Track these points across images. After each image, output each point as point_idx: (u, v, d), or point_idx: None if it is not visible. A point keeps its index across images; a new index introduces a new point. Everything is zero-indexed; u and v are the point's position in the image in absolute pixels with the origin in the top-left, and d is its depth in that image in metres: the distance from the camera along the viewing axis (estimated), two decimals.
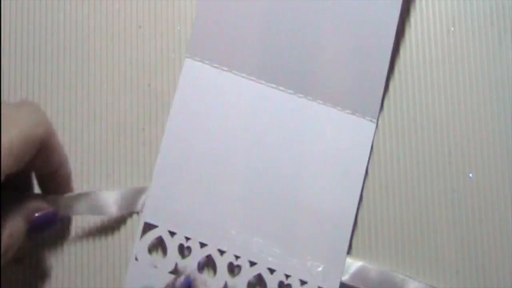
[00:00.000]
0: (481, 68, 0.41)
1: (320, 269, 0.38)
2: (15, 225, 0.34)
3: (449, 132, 0.40)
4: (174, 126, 0.39)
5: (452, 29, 0.41)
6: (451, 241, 0.39)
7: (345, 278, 0.38)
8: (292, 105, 0.39)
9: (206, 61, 0.40)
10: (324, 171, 0.39)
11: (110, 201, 0.38)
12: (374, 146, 0.40)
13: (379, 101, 0.40)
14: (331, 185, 0.39)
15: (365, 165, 0.39)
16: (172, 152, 0.39)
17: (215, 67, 0.40)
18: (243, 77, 0.40)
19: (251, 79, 0.40)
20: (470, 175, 0.40)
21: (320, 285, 0.38)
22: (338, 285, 0.38)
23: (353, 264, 0.38)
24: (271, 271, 0.38)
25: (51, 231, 0.36)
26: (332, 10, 0.40)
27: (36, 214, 0.35)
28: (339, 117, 0.39)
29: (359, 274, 0.38)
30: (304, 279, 0.38)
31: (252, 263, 0.38)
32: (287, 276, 0.38)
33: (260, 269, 0.38)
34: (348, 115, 0.39)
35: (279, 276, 0.38)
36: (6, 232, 0.33)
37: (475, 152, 0.40)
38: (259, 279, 0.38)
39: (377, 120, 0.40)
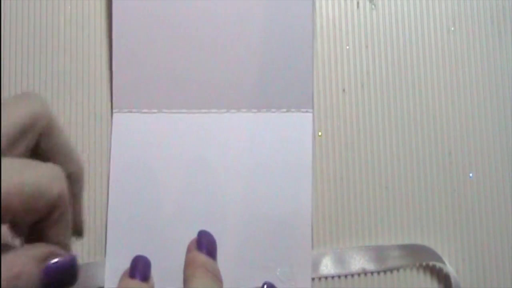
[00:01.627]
0: (481, 68, 0.41)
1: (289, 273, 0.38)
2: (26, 267, 0.29)
3: (449, 132, 0.40)
4: (116, 186, 0.39)
5: (452, 29, 0.41)
6: (451, 241, 0.39)
7: (315, 274, 0.38)
8: (229, 122, 0.39)
9: (134, 110, 0.39)
10: (273, 175, 0.39)
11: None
12: (374, 146, 0.40)
13: (311, 90, 0.40)
14: (283, 187, 0.39)
15: (311, 156, 0.39)
16: (121, 213, 0.38)
17: (144, 112, 0.39)
18: (174, 112, 0.39)
19: (182, 112, 0.39)
20: (470, 175, 0.40)
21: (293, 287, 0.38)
22: (310, 283, 0.38)
23: (320, 257, 0.38)
24: None
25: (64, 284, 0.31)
26: (238, 21, 0.40)
27: (52, 261, 0.29)
28: (276, 118, 0.39)
29: (325, 263, 0.38)
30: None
31: None
32: None
33: None
34: (284, 114, 0.39)
35: None
36: (13, 270, 0.28)
37: (475, 152, 0.40)
38: None
39: (313, 108, 0.40)
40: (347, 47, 0.41)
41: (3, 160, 0.27)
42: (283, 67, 0.39)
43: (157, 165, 0.39)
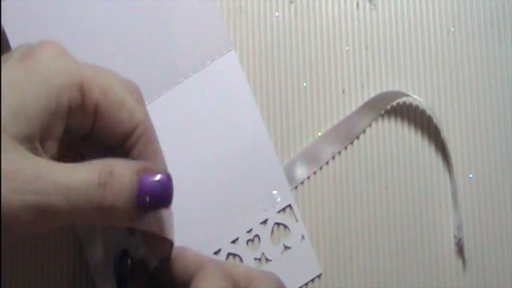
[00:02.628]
0: (481, 68, 0.41)
1: (270, 200, 0.39)
2: (121, 170, 0.28)
3: (449, 132, 0.40)
4: None
5: (452, 29, 0.41)
6: (451, 241, 0.39)
7: (294, 183, 0.39)
8: (168, 103, 0.39)
9: None
10: (225, 122, 0.39)
11: None
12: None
13: (224, 30, 0.40)
14: (236, 127, 0.39)
15: (249, 90, 0.40)
16: None
17: None
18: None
19: None
20: (470, 175, 0.40)
21: (278, 209, 0.39)
22: (292, 196, 0.39)
23: (292, 167, 0.39)
24: (234, 241, 0.39)
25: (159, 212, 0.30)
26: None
27: (148, 174, 0.28)
28: (207, 74, 0.40)
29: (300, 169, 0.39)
30: (262, 219, 0.39)
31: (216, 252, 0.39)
32: (249, 232, 0.39)
33: (223, 255, 0.39)
34: (211, 65, 0.40)
35: (242, 241, 0.39)
36: (107, 167, 0.27)
37: (475, 152, 0.40)
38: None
39: (234, 45, 0.40)
40: (347, 48, 0.41)
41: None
42: (189, 25, 0.40)
43: None
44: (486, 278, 0.39)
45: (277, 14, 0.41)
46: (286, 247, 0.39)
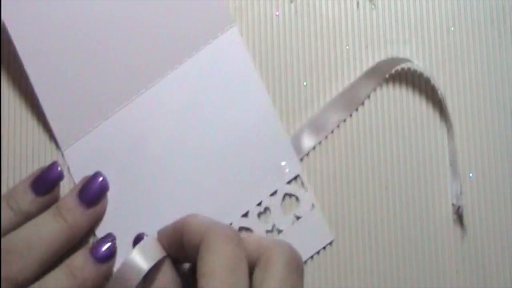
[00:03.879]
0: (481, 67, 0.41)
1: (279, 173, 0.39)
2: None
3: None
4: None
5: (452, 29, 0.41)
6: (451, 241, 0.39)
7: (301, 154, 0.39)
8: (173, 83, 0.39)
9: (81, 135, 0.39)
10: (231, 98, 0.39)
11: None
12: (374, 146, 0.40)
13: (224, 7, 0.40)
14: (243, 102, 0.39)
15: (252, 65, 0.40)
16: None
17: (91, 130, 0.39)
18: (119, 110, 0.39)
19: (125, 105, 0.39)
20: (470, 175, 0.40)
21: (287, 180, 0.39)
22: (300, 167, 0.39)
23: (299, 138, 0.40)
24: (245, 214, 0.39)
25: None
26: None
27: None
28: (210, 52, 0.40)
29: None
30: (271, 191, 0.39)
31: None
32: (259, 204, 0.39)
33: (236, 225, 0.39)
34: (213, 43, 0.40)
35: (253, 214, 0.39)
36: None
37: (475, 152, 0.40)
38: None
39: (236, 22, 0.40)
40: (347, 47, 0.41)
41: None
42: (189, 3, 0.40)
43: (129, 161, 0.39)
44: (486, 278, 0.39)
45: (277, 13, 0.41)
46: (297, 217, 0.39)
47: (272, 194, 0.39)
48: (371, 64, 0.40)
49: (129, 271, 0.34)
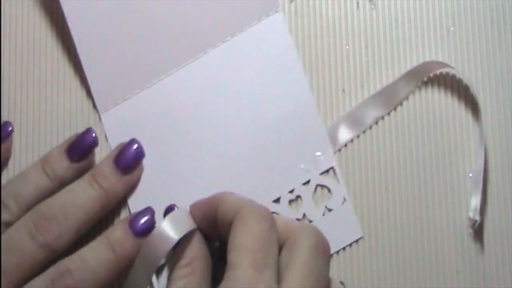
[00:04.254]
0: (480, 68, 0.41)
1: (313, 161, 0.39)
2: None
3: (449, 132, 0.40)
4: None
5: (452, 29, 0.41)
6: (451, 241, 0.39)
7: (336, 146, 0.39)
8: (212, 61, 0.40)
9: (119, 101, 0.40)
10: (269, 83, 0.39)
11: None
12: (374, 147, 0.40)
13: None
14: (281, 89, 0.39)
15: (295, 52, 0.40)
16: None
17: (129, 98, 0.40)
18: (156, 81, 0.40)
19: (163, 78, 0.40)
20: (470, 175, 0.40)
21: (321, 171, 0.39)
22: (333, 159, 0.39)
23: (335, 129, 0.40)
24: (276, 200, 0.39)
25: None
26: None
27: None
28: (253, 34, 0.40)
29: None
30: (304, 180, 0.39)
31: None
32: (291, 192, 0.39)
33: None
34: (257, 25, 0.40)
35: (284, 201, 0.39)
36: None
37: (475, 152, 0.40)
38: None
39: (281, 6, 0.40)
40: (347, 47, 0.41)
41: None
42: None
43: (165, 133, 0.39)
44: (486, 278, 0.39)
45: None
46: (328, 209, 0.39)
47: (304, 183, 0.39)
48: (371, 64, 0.40)
49: (159, 240, 0.34)
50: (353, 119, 0.40)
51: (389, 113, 0.40)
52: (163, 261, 0.36)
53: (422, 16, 0.41)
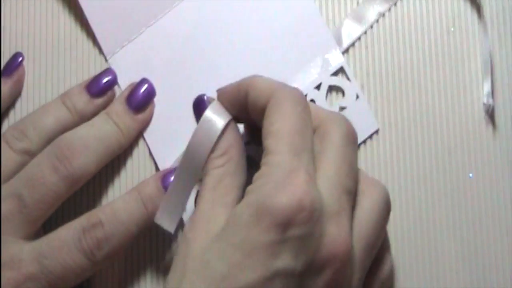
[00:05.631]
0: (481, 68, 0.41)
1: (321, 63, 0.39)
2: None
3: (449, 132, 0.40)
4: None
5: (452, 29, 0.41)
6: (451, 241, 0.39)
7: (342, 47, 0.40)
8: None
9: (125, 43, 0.40)
10: None
11: None
12: (374, 147, 0.40)
13: None
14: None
15: None
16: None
17: (135, 37, 0.40)
18: (161, 17, 0.40)
19: (167, 12, 0.40)
20: (470, 175, 0.40)
21: (331, 72, 0.39)
22: (343, 59, 0.40)
23: (339, 30, 0.40)
24: None
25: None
26: None
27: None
28: None
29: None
30: (316, 84, 0.39)
31: None
32: None
33: None
34: None
35: None
36: None
37: (475, 152, 0.40)
38: None
39: None
40: None
41: None
42: None
43: (175, 67, 0.40)
44: (486, 278, 0.39)
45: None
46: (342, 108, 0.39)
47: (316, 87, 0.39)
48: (370, 64, 0.41)
49: (207, 130, 0.34)
50: (356, 17, 0.40)
51: (389, 9, 0.41)
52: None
53: (422, 16, 0.41)
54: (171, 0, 0.40)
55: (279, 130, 0.30)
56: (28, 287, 0.33)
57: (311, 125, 0.32)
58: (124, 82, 0.39)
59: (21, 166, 0.36)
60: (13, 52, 0.40)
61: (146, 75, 0.39)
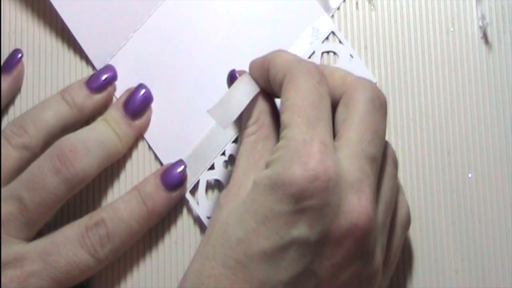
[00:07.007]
0: (480, 68, 0.41)
1: (315, 32, 0.40)
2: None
3: (449, 132, 0.40)
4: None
5: (452, 29, 0.41)
6: (451, 241, 0.39)
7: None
8: None
9: (115, 52, 0.40)
10: None
11: None
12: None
13: None
14: None
15: None
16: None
17: (124, 45, 0.40)
18: (149, 16, 0.40)
19: (151, 16, 0.40)
20: (470, 175, 0.40)
21: (322, 39, 0.40)
22: (332, 23, 0.40)
23: None
24: None
25: None
26: None
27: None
28: None
29: None
30: (309, 53, 0.40)
31: None
32: None
33: None
34: None
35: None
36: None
37: (474, 152, 0.40)
38: None
39: None
40: None
41: None
42: None
43: (168, 65, 0.40)
44: (486, 278, 0.39)
45: None
46: None
47: (310, 56, 0.40)
48: (370, 64, 0.41)
49: (233, 101, 0.34)
50: None
51: None
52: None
53: (422, 16, 0.41)
54: (154, 0, 0.40)
55: (293, 104, 0.31)
56: (31, 284, 0.34)
57: (327, 96, 0.32)
58: (119, 89, 0.40)
59: (21, 161, 0.36)
60: (12, 49, 0.41)
61: (140, 79, 0.39)
